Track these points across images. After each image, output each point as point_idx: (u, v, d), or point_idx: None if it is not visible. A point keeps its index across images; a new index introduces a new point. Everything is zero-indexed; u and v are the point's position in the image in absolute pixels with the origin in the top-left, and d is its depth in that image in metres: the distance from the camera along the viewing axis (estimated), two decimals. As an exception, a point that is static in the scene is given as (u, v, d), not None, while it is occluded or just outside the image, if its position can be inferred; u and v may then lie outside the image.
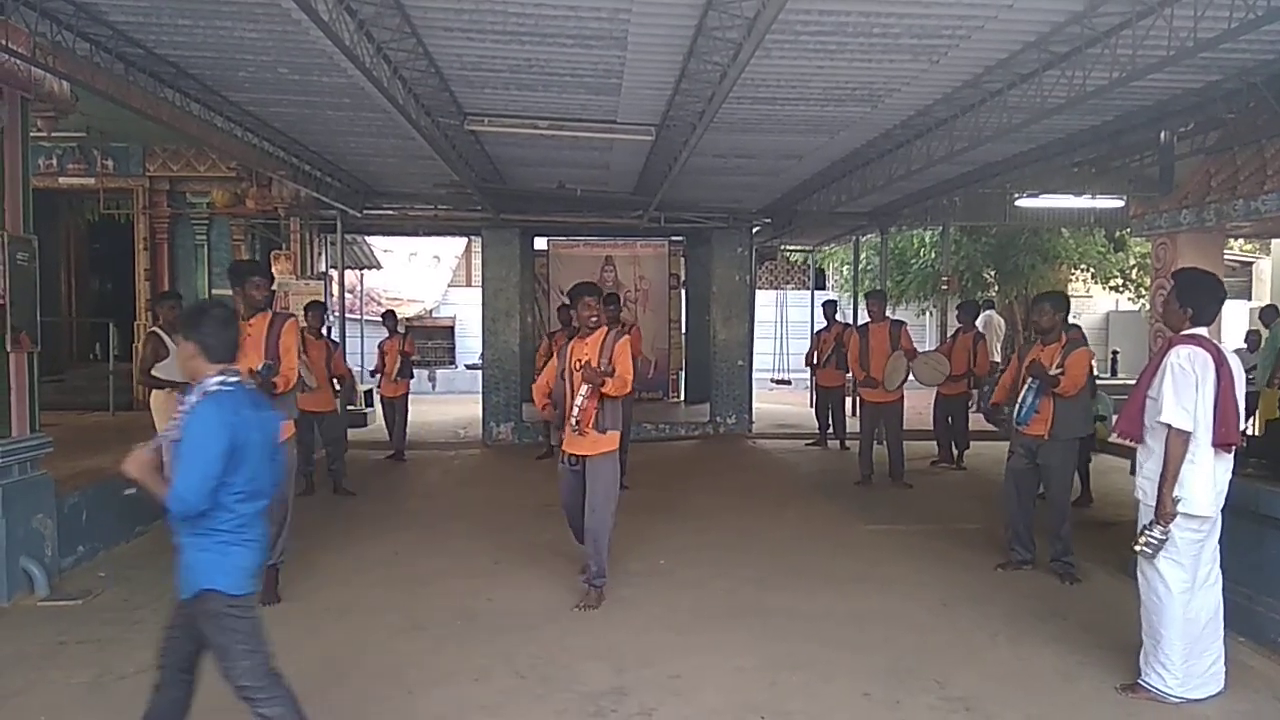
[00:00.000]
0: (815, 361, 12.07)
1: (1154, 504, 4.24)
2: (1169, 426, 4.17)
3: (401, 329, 11.71)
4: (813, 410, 12.68)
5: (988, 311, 15.99)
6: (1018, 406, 6.29)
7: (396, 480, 10.05)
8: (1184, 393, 4.17)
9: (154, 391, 7.34)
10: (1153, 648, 4.33)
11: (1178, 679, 4.28)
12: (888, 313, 9.97)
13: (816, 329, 12.56)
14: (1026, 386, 6.24)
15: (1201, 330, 4.33)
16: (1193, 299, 4.35)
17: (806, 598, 5.85)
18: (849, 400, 12.79)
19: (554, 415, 5.86)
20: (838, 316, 12.43)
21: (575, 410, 5.47)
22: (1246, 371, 11.48)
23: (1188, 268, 4.74)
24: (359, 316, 17.57)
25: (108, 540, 6.76)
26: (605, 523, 5.62)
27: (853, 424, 11.98)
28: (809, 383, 12.63)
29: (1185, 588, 4.26)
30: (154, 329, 7.57)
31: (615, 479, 5.72)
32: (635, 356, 6.18)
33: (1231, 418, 4.24)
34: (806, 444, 12.37)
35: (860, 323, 9.96)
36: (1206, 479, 4.24)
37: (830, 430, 12.15)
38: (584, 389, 5.46)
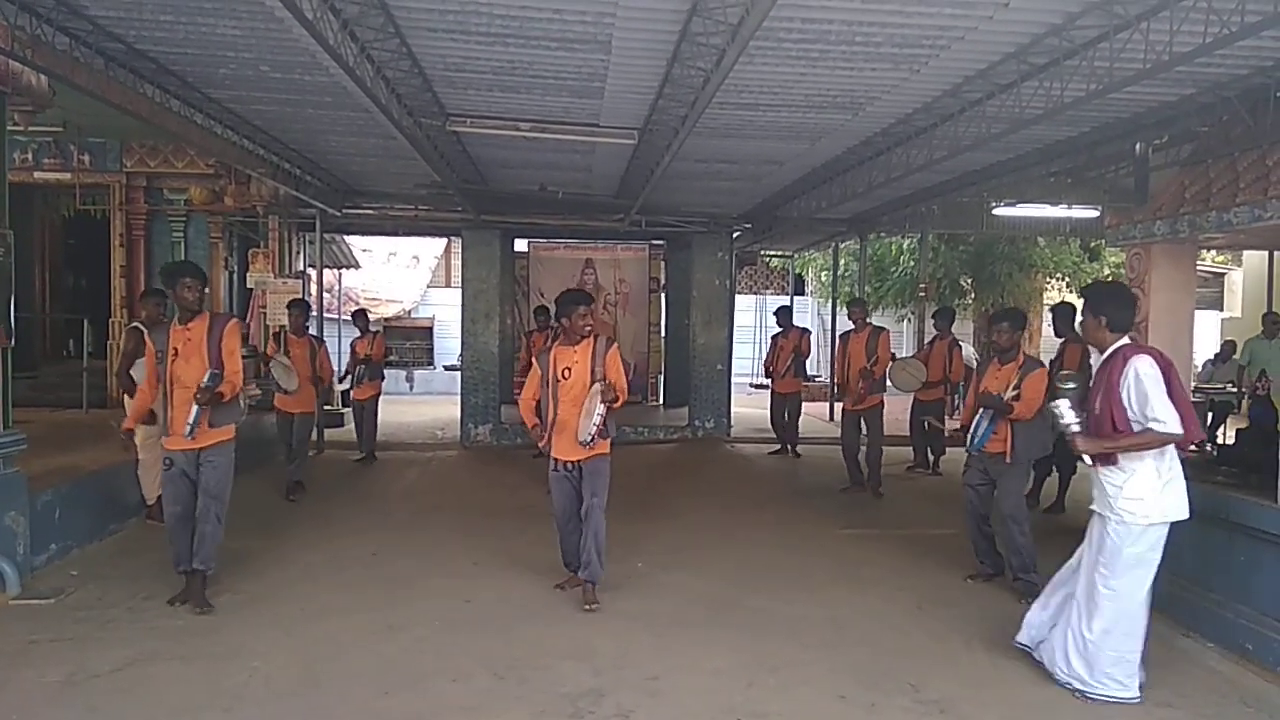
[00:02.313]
0: (774, 369, 11.83)
1: (1128, 512, 4.33)
2: (1169, 435, 4.24)
3: (374, 329, 11.62)
4: (770, 418, 12.30)
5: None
6: (971, 432, 6.15)
7: (374, 481, 10.00)
8: (1165, 397, 4.26)
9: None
10: (1113, 660, 4.39)
11: (1133, 679, 4.42)
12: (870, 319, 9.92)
13: (772, 334, 12.40)
14: (980, 413, 6.13)
15: (1125, 338, 4.47)
16: (1102, 308, 4.52)
17: (783, 600, 5.89)
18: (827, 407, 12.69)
19: (540, 433, 5.75)
20: (794, 322, 12.17)
21: (591, 425, 5.43)
22: (1226, 383, 11.55)
23: (1093, 282, 4.94)
24: (336, 316, 17.46)
25: (80, 539, 6.69)
26: (602, 515, 5.67)
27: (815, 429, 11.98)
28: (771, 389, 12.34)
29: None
30: (135, 324, 7.44)
31: (609, 474, 5.75)
32: None
33: (1192, 415, 4.40)
34: (769, 452, 12.14)
35: (843, 331, 9.92)
36: (1182, 485, 4.38)
37: (786, 437, 11.97)
38: (600, 407, 5.43)
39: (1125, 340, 4.48)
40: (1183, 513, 4.38)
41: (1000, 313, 6.58)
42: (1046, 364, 6.51)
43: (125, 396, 7.18)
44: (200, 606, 5.44)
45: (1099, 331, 4.53)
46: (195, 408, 5.27)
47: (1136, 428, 4.32)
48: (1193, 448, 4.79)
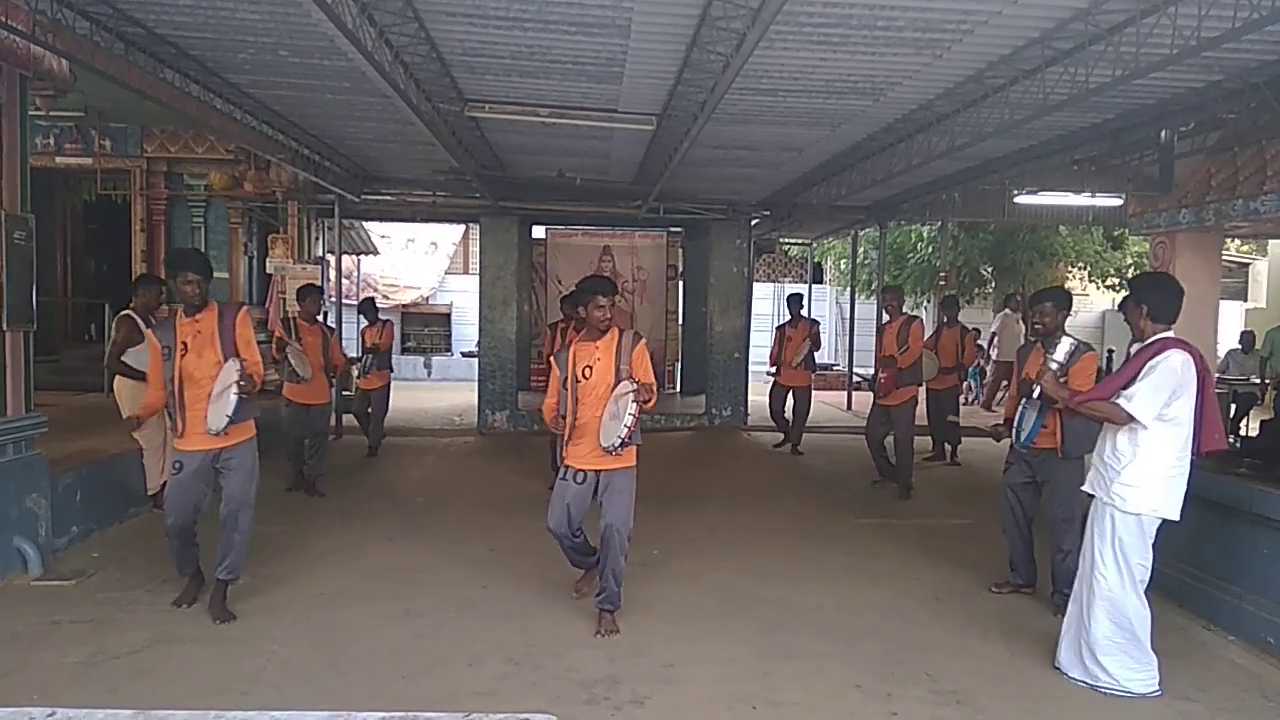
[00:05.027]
0: (784, 360, 11.27)
1: (1120, 497, 4.32)
2: (1130, 415, 4.21)
3: (384, 318, 11.55)
4: (769, 410, 11.64)
5: (1006, 311, 15.36)
6: (1017, 426, 5.56)
7: (391, 467, 10.04)
8: (1160, 393, 4.21)
9: (119, 378, 7.05)
10: (1110, 650, 4.36)
11: (1143, 673, 4.39)
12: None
13: (778, 325, 11.93)
14: (1024, 403, 5.51)
15: (1169, 331, 4.40)
16: (1147, 296, 4.46)
17: (798, 590, 5.87)
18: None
19: (561, 428, 5.17)
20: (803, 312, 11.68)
21: (622, 429, 4.84)
22: (1249, 375, 11.47)
23: (1144, 272, 4.89)
24: (355, 303, 17.54)
25: (101, 521, 6.76)
26: (625, 541, 5.08)
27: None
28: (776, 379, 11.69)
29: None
30: (127, 312, 7.19)
31: (633, 492, 5.14)
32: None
33: (1216, 423, 4.35)
34: (773, 445, 11.68)
35: (881, 321, 9.71)
36: (1182, 487, 4.33)
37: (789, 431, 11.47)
38: (632, 407, 4.83)
39: (1170, 333, 4.38)
40: (1174, 513, 4.31)
41: (1042, 291, 5.88)
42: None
43: (120, 384, 7.08)
44: (220, 616, 5.06)
45: (1141, 320, 4.45)
46: (234, 399, 4.86)
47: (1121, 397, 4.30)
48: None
